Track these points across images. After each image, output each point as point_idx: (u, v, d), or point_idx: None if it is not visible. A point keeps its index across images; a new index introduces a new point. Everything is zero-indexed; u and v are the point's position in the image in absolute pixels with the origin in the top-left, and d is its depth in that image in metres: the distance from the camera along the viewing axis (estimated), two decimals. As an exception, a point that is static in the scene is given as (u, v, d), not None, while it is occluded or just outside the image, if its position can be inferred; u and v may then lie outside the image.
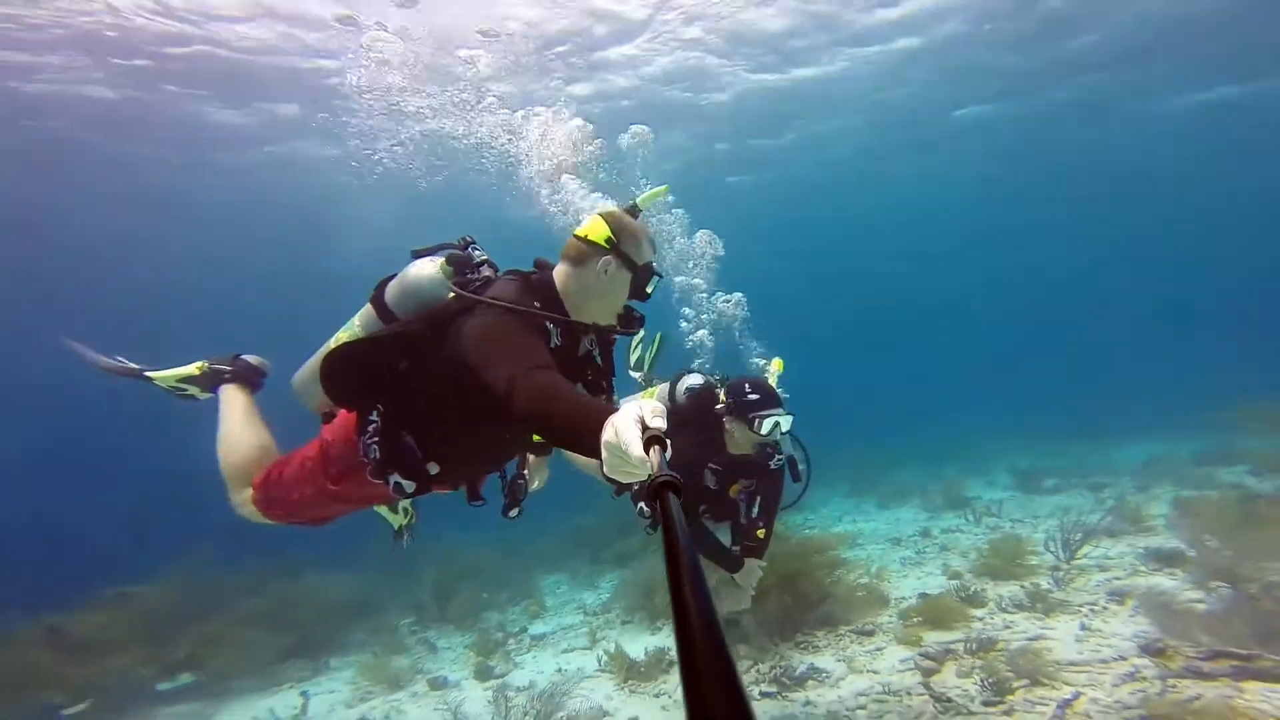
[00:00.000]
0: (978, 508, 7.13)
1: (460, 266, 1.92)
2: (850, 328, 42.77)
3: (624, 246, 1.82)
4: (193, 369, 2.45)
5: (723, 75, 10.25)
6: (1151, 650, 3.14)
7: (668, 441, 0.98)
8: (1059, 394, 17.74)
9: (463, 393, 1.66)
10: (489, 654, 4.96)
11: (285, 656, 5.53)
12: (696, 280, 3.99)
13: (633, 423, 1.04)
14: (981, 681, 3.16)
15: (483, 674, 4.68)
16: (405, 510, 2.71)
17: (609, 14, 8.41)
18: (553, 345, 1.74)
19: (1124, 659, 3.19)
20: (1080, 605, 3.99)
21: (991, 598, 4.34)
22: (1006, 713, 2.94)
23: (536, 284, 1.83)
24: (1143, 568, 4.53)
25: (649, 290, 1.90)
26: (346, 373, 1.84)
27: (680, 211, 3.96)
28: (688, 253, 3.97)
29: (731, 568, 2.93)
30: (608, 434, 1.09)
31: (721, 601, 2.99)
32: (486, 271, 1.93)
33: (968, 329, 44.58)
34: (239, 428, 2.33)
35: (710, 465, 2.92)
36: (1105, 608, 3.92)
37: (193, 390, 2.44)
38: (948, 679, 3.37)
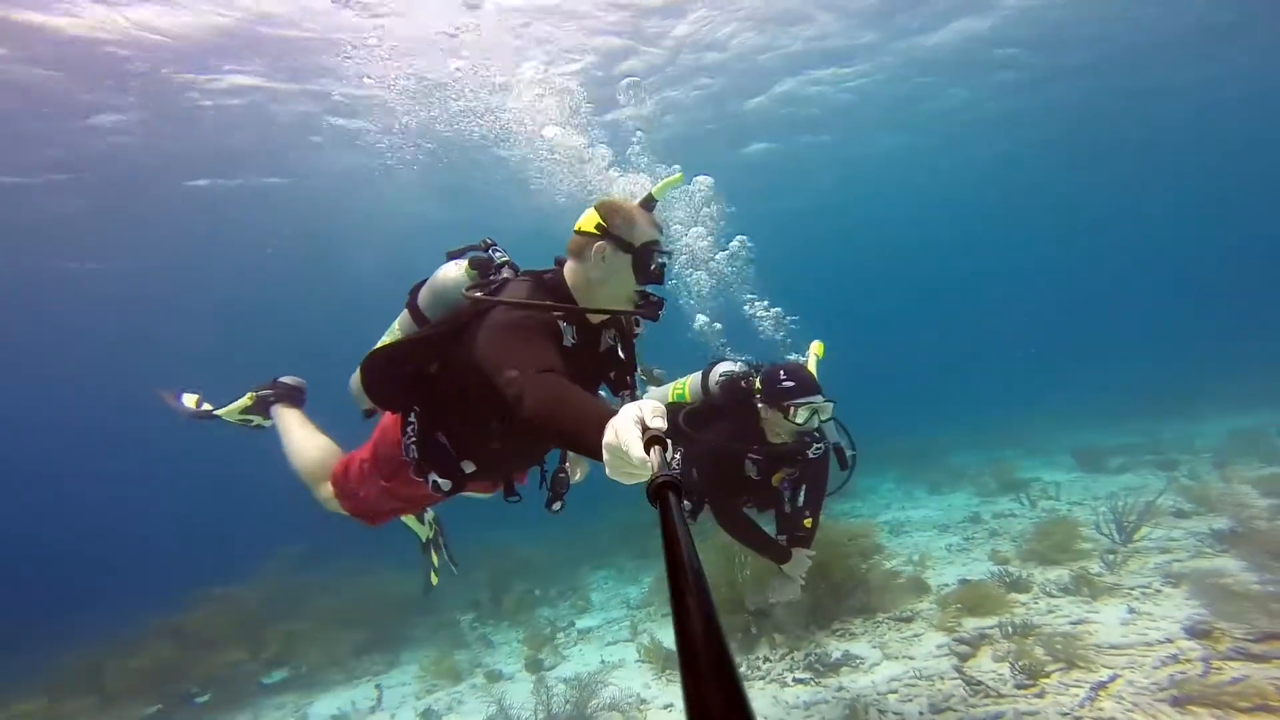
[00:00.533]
0: (1034, 491, 6.85)
1: (483, 269, 1.94)
2: (909, 317, 41.18)
3: (615, 230, 1.81)
4: (245, 400, 2.70)
5: (749, 80, 10.21)
6: (1196, 632, 3.02)
7: (669, 442, 0.97)
8: (1133, 372, 16.49)
9: (483, 394, 1.67)
10: (539, 648, 5.25)
11: (360, 652, 6.05)
12: (697, 228, 3.94)
13: (632, 424, 1.03)
14: (1014, 664, 3.13)
15: (533, 666, 4.96)
16: (430, 523, 2.89)
17: (630, 51, 8.61)
18: (568, 344, 1.76)
19: (1169, 641, 3.08)
20: (1132, 589, 3.83)
21: (1038, 582, 4.22)
22: (1038, 695, 2.91)
23: (549, 283, 1.85)
24: (1207, 550, 4.28)
25: (655, 270, 1.85)
26: (382, 376, 1.91)
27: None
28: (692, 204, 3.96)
29: (780, 559, 2.85)
30: (608, 436, 1.08)
31: (772, 593, 2.96)
32: (507, 273, 1.94)
33: (1038, 311, 42.06)
34: (299, 435, 2.55)
35: (750, 455, 2.81)
36: (1159, 591, 3.75)
37: (257, 420, 2.70)
38: (983, 663, 3.34)
